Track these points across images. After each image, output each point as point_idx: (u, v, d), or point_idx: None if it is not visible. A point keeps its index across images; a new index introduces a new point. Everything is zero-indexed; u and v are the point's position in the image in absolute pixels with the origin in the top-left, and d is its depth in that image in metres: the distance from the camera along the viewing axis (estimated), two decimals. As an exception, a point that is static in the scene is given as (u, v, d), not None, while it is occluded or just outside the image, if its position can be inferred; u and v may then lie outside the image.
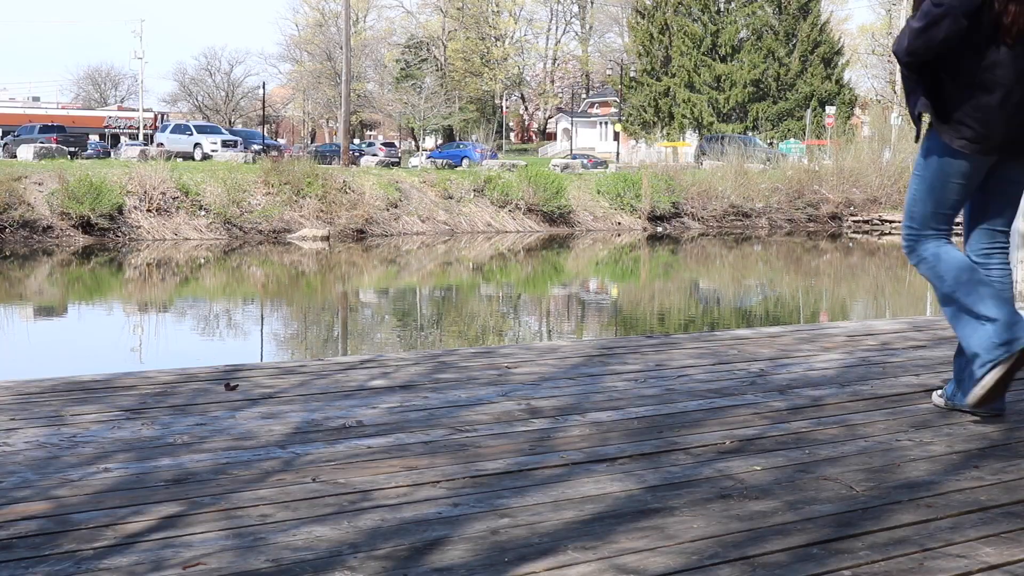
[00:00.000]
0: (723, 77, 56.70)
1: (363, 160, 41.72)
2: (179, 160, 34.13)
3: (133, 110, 70.92)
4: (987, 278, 3.43)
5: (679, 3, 57.39)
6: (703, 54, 57.06)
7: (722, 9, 58.09)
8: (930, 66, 3.31)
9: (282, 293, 17.75)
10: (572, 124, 73.87)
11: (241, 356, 10.19)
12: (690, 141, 55.57)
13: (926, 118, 3.38)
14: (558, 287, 19.48)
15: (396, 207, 28.43)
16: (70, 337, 12.95)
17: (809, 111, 54.00)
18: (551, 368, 4.34)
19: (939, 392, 3.68)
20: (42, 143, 37.07)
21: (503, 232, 29.17)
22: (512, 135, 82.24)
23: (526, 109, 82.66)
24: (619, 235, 30.43)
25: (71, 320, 14.85)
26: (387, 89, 70.81)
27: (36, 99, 79.01)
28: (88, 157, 39.20)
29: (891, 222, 31.21)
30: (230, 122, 70.75)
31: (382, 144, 57.82)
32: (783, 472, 2.80)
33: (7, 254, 21.50)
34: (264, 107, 56.53)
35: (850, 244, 29.25)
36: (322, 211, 26.78)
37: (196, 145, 41.91)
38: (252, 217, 26.05)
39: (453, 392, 3.83)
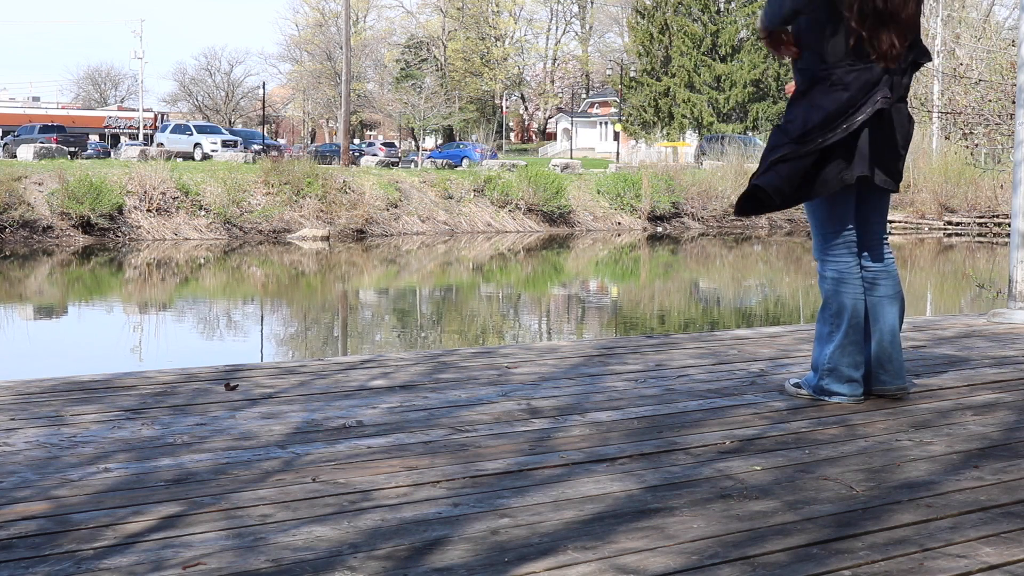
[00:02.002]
0: (723, 77, 56.65)
1: (363, 160, 41.71)
2: (179, 160, 34.12)
3: (133, 110, 70.91)
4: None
5: (679, 3, 57.31)
6: (703, 54, 56.99)
7: (722, 9, 58.03)
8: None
9: (282, 293, 17.73)
10: (572, 124, 73.85)
11: (241, 356, 10.18)
12: (690, 141, 55.53)
13: None
14: (558, 287, 19.47)
15: (396, 207, 28.42)
16: (70, 337, 12.94)
17: (809, 111, 53.79)
18: (551, 368, 4.33)
19: (793, 381, 3.84)
20: (42, 143, 37.04)
21: (503, 232, 29.17)
22: (512, 135, 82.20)
23: (526, 109, 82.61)
24: (619, 235, 30.42)
25: (71, 320, 14.83)
26: (387, 89, 70.76)
27: (36, 99, 79.09)
28: (88, 157, 39.18)
29: (891, 222, 31.18)
30: (230, 122, 70.73)
31: (382, 144, 57.81)
32: (783, 472, 2.80)
33: (7, 254, 21.50)
34: (264, 107, 56.50)
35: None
36: (322, 211, 26.77)
37: (196, 145, 41.92)
38: (252, 217, 26.04)
39: (453, 392, 3.83)
